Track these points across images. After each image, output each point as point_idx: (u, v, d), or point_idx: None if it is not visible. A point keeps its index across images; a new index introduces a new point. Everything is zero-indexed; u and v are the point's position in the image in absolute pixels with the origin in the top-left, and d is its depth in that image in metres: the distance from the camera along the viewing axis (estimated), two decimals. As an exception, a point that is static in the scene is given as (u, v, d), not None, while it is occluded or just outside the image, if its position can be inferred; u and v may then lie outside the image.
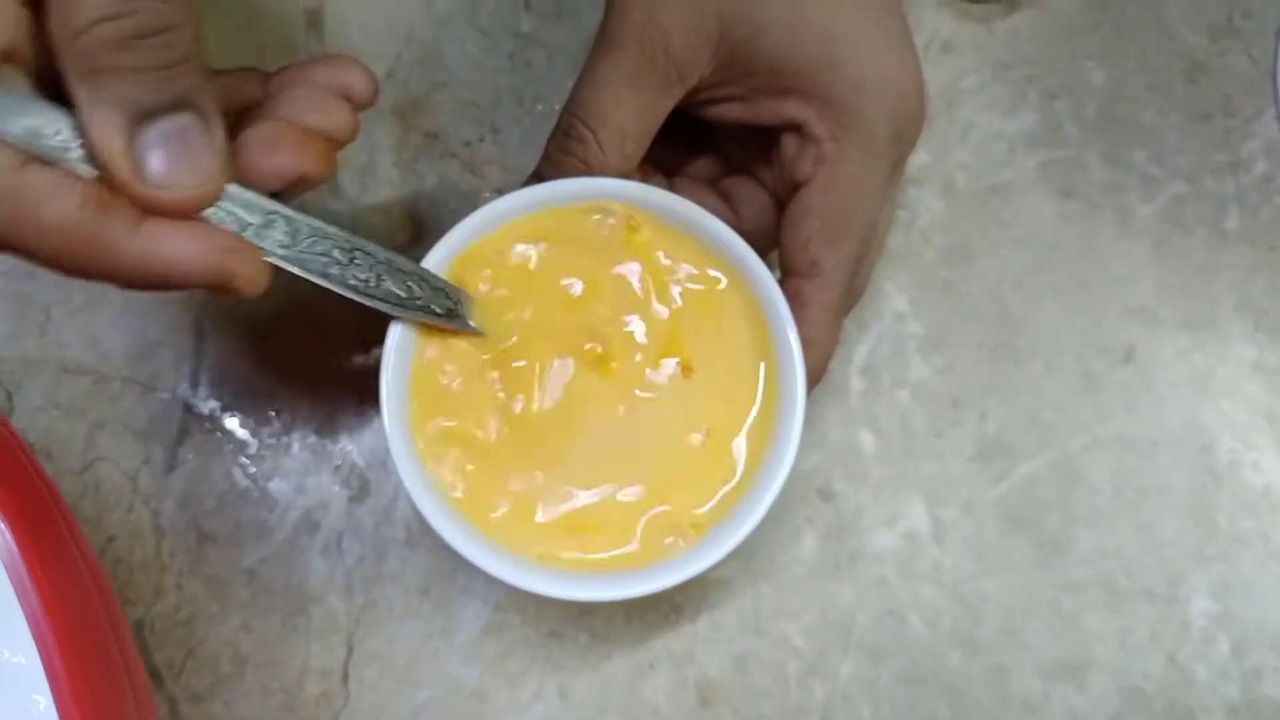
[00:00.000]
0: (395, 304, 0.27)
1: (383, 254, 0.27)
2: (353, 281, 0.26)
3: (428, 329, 0.29)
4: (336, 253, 0.26)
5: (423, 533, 0.35)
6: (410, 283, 0.28)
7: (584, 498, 0.30)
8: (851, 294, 0.31)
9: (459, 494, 0.29)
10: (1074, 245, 0.38)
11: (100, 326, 0.36)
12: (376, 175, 0.37)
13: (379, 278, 0.27)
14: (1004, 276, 0.37)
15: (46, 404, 0.35)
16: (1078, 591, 0.35)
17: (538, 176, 0.31)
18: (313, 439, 0.35)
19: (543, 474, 0.30)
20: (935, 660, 0.35)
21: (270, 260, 0.25)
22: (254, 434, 0.35)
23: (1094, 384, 0.37)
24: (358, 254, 0.26)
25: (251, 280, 0.24)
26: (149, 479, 0.35)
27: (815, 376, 0.30)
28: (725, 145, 0.34)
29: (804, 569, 0.35)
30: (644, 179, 0.31)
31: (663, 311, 0.30)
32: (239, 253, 0.24)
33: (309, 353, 0.36)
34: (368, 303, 0.27)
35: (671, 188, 0.32)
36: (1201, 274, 0.38)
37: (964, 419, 0.36)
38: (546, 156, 0.31)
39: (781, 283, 0.30)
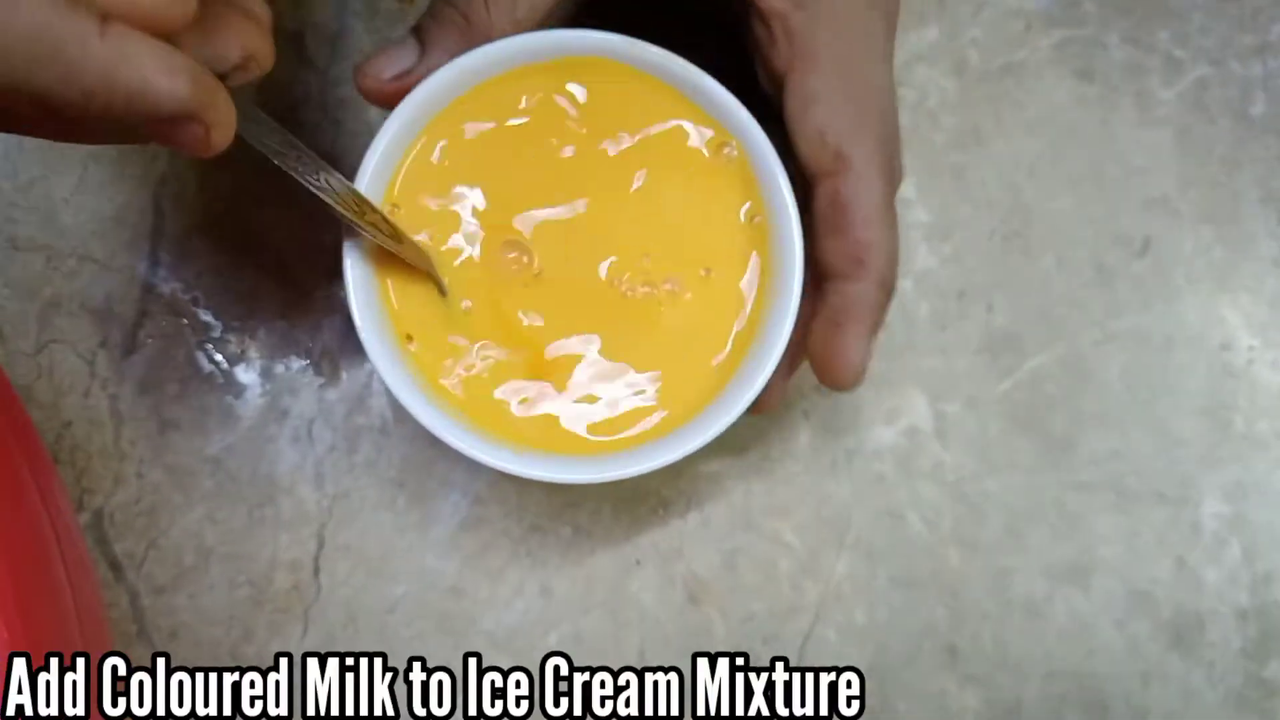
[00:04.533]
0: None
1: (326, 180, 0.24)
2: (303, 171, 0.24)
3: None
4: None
5: (398, 421, 0.33)
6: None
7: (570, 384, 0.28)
8: (895, 180, 0.27)
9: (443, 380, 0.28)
10: (1091, 131, 0.36)
11: (54, 201, 0.33)
12: (348, 43, 0.34)
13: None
14: (1016, 162, 0.35)
15: (-4, 282, 0.33)
16: (1085, 492, 0.34)
17: (416, 35, 0.26)
18: (280, 322, 0.33)
19: (524, 359, 0.28)
20: (934, 561, 0.33)
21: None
22: (217, 316, 0.33)
23: (1108, 277, 0.35)
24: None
25: (221, 124, 0.21)
26: (106, 362, 0.33)
27: (888, 287, 0.26)
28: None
29: (798, 465, 0.34)
30: None
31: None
32: (213, 88, 0.21)
33: (274, 232, 0.34)
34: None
35: None
36: (1224, 165, 0.36)
37: (970, 311, 0.35)
38: (429, 12, 0.26)
39: (812, 199, 0.26)
